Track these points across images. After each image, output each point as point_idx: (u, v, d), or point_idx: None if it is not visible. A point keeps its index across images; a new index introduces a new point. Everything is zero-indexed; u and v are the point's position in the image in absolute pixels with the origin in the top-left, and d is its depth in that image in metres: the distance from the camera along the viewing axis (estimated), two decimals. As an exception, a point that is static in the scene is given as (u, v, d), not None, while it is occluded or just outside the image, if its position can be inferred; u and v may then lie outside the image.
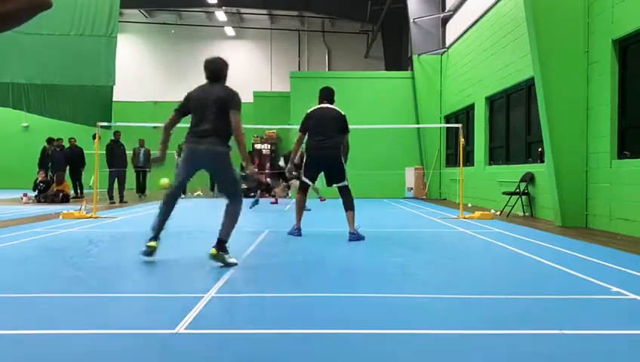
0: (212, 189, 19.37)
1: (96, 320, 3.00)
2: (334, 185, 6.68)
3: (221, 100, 4.76)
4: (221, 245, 4.62)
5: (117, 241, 6.41)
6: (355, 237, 6.42)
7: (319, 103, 6.89)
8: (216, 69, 4.99)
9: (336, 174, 6.64)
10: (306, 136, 6.79)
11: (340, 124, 6.70)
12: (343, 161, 6.69)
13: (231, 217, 4.76)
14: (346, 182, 6.64)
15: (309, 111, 6.83)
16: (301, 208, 6.95)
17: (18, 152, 15.77)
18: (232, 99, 4.78)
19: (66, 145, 16.00)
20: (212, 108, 4.76)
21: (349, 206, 6.58)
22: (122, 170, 14.19)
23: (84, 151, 15.96)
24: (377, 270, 4.59)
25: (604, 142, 7.80)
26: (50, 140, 15.48)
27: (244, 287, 3.99)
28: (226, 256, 4.63)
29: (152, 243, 4.82)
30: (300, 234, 6.79)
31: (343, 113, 6.80)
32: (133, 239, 6.66)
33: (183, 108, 5.00)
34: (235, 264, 4.62)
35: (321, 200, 13.87)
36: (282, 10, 25.78)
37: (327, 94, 6.92)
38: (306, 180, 6.78)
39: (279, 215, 10.44)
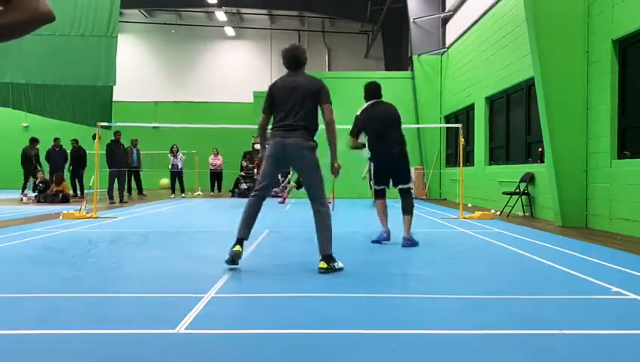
0: (212, 189, 19.41)
1: (97, 320, 3.00)
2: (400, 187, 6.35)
3: (311, 92, 4.50)
4: (328, 259, 4.37)
5: (117, 241, 6.41)
6: (410, 243, 5.97)
7: (368, 101, 6.40)
8: (296, 56, 4.66)
9: (403, 175, 6.44)
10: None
11: (399, 121, 6.38)
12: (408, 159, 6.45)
13: (324, 225, 4.46)
14: (410, 184, 6.44)
15: (358, 113, 6.42)
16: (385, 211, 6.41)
17: (18, 152, 15.78)
18: (323, 92, 4.52)
19: (68, 146, 15.97)
20: (300, 99, 4.49)
21: (408, 210, 6.25)
22: (122, 170, 14.20)
23: (86, 152, 15.97)
24: (377, 270, 4.59)
25: (604, 142, 7.80)
26: (33, 140, 15.35)
27: (244, 287, 3.99)
28: (335, 264, 4.41)
29: (237, 248, 4.46)
30: (388, 238, 6.20)
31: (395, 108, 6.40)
32: (133, 239, 6.66)
33: (270, 105, 4.69)
34: (342, 268, 4.43)
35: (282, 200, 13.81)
36: (282, 10, 25.79)
37: (374, 89, 6.41)
38: (381, 187, 6.44)
39: (279, 215, 10.44)
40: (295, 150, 4.45)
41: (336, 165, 4.66)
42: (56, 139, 15.75)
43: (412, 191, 6.35)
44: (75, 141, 16.17)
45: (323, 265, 4.33)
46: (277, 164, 4.63)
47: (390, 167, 6.30)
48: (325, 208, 4.50)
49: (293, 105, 4.49)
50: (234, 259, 4.42)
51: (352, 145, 6.33)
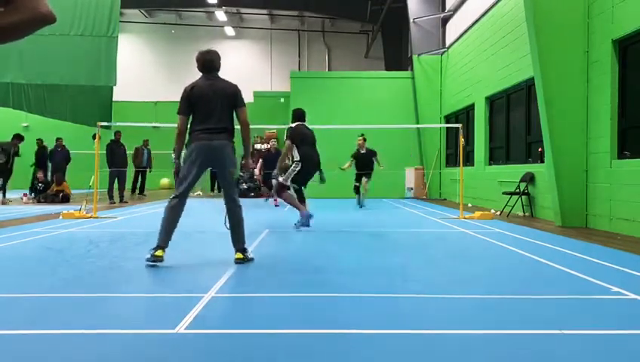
0: (212, 189, 19.40)
1: (97, 320, 3.00)
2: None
3: (230, 96, 4.79)
4: (243, 251, 4.78)
5: (117, 241, 6.41)
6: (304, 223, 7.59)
7: (296, 121, 7.92)
8: (212, 60, 4.96)
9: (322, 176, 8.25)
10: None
11: (314, 141, 8.00)
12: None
13: (238, 220, 4.82)
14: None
15: (294, 125, 7.83)
16: (295, 199, 7.74)
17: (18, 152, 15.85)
18: (239, 95, 4.84)
19: (51, 145, 15.76)
20: (220, 102, 4.75)
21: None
22: (122, 170, 14.20)
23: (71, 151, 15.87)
24: (377, 270, 4.59)
25: (604, 142, 7.80)
26: (16, 137, 15.06)
27: (244, 287, 3.99)
28: (248, 255, 4.82)
29: (159, 253, 4.61)
30: (311, 217, 7.56)
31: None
32: (133, 239, 6.66)
33: (188, 107, 4.83)
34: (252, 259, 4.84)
35: (271, 200, 13.87)
36: (282, 10, 25.79)
37: (300, 115, 8.00)
38: (295, 185, 7.79)
39: (279, 215, 10.44)
40: (221, 151, 4.72)
41: (248, 162, 5.18)
42: (58, 139, 15.71)
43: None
44: (41, 140, 15.86)
45: (239, 255, 4.71)
46: (202, 168, 4.82)
47: (313, 173, 7.96)
48: (238, 204, 4.85)
49: (214, 108, 4.72)
50: (155, 261, 4.58)
51: (286, 151, 7.80)
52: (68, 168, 15.75)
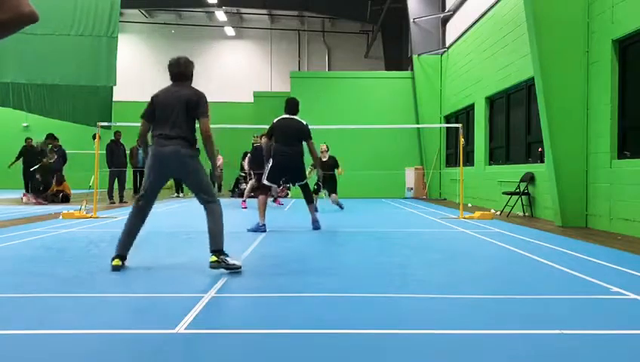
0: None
1: (97, 320, 3.00)
2: (297, 184, 7.63)
3: (188, 103, 4.58)
4: (219, 253, 4.39)
5: (117, 241, 6.39)
6: (317, 226, 7.51)
7: (286, 113, 7.52)
8: (180, 71, 4.85)
9: (297, 176, 7.51)
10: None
11: (300, 135, 7.40)
12: (303, 164, 7.53)
13: (215, 223, 4.50)
14: (306, 180, 7.63)
15: (275, 120, 7.47)
16: (262, 203, 7.42)
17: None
18: (200, 104, 4.60)
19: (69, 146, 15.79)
20: (179, 110, 4.57)
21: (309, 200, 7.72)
22: (122, 170, 14.19)
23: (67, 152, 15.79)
24: (377, 270, 4.59)
25: (604, 142, 7.80)
26: (52, 136, 15.05)
27: (244, 287, 3.99)
28: (228, 259, 4.36)
29: (116, 262, 4.49)
30: (264, 230, 7.22)
31: (304, 123, 7.48)
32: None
33: (151, 113, 4.75)
34: (239, 267, 4.36)
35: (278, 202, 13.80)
36: (282, 10, 25.79)
37: (290, 106, 7.55)
38: (269, 183, 7.42)
39: (279, 215, 10.44)
40: (174, 158, 4.50)
41: (217, 173, 4.90)
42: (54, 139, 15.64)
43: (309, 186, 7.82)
44: (30, 140, 15.83)
45: (213, 258, 4.35)
46: (159, 175, 4.63)
47: (286, 171, 7.41)
48: (217, 206, 4.57)
49: (170, 115, 4.58)
50: (115, 269, 4.47)
51: (266, 147, 7.62)
52: (66, 168, 15.71)
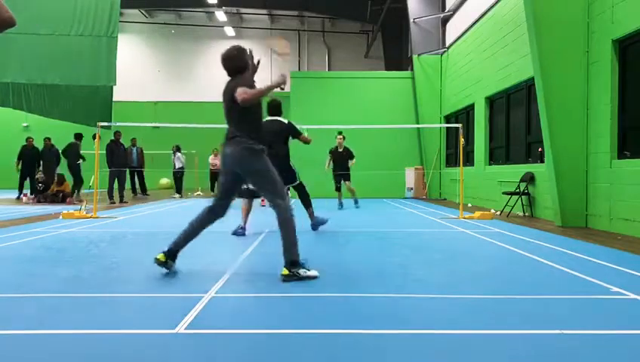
0: (212, 189, 19.40)
1: (97, 320, 3.00)
2: (290, 185, 7.32)
3: (229, 94, 4.31)
4: (290, 264, 4.07)
5: (117, 241, 6.41)
6: (317, 225, 7.45)
7: (268, 115, 7.36)
8: (226, 65, 4.57)
9: (286, 177, 7.13)
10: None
11: (283, 135, 7.25)
12: (289, 165, 7.33)
13: (284, 228, 4.17)
14: (298, 181, 7.37)
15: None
16: (247, 210, 7.30)
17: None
18: (234, 87, 4.29)
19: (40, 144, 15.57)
20: (226, 107, 4.36)
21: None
22: (122, 170, 14.19)
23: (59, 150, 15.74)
24: (377, 270, 4.59)
25: (604, 142, 7.80)
26: (79, 137, 14.93)
27: (244, 287, 3.99)
28: (302, 271, 4.05)
29: (160, 256, 4.23)
30: (244, 234, 7.02)
31: (286, 123, 7.34)
32: (133, 239, 6.66)
33: None
34: (316, 276, 4.09)
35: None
36: (282, 10, 25.80)
37: (271, 109, 7.42)
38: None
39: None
40: (230, 158, 4.27)
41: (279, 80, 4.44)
42: (46, 139, 15.62)
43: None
44: (49, 139, 15.68)
45: (284, 271, 4.06)
46: (228, 177, 4.37)
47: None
48: (283, 212, 4.22)
49: (225, 114, 4.41)
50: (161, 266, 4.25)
51: None
52: (65, 168, 15.71)
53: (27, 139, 15.84)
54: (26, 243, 6.09)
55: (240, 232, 7.06)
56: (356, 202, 12.70)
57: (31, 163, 15.32)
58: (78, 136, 14.49)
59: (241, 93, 4.18)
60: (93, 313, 3.17)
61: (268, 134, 7.05)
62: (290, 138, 7.34)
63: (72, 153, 14.10)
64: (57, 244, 6.02)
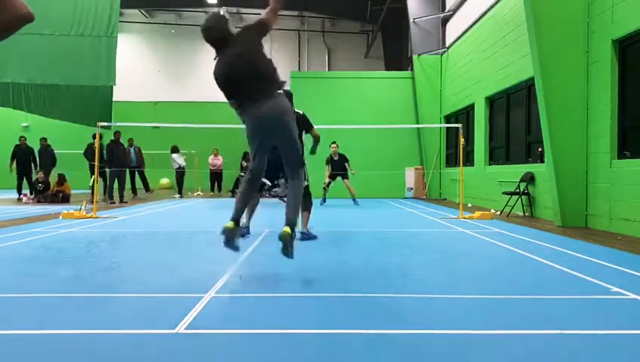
0: (212, 189, 19.43)
1: (97, 320, 3.00)
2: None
3: (250, 42, 4.18)
4: (292, 228, 3.99)
5: (117, 241, 6.41)
6: (306, 235, 6.59)
7: None
8: (218, 32, 4.36)
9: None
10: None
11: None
12: None
13: (295, 195, 4.17)
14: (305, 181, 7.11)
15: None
16: (249, 206, 6.97)
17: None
18: (254, 26, 4.33)
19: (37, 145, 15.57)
20: (249, 59, 4.11)
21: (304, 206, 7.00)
22: (122, 170, 14.20)
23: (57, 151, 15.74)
24: (377, 270, 4.59)
25: (604, 142, 7.80)
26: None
27: (244, 287, 3.99)
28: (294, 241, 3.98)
29: (229, 224, 4.00)
30: (249, 234, 6.79)
31: (301, 113, 6.82)
32: (133, 239, 6.66)
33: None
34: (315, 237, 4.22)
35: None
36: (282, 10, 25.78)
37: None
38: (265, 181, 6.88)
39: (278, 215, 10.43)
40: (277, 113, 4.09)
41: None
42: (42, 139, 15.60)
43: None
44: (45, 139, 15.63)
45: (287, 229, 3.93)
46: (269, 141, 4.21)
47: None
48: (301, 183, 4.22)
49: (250, 70, 4.16)
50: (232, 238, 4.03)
51: None
52: (65, 168, 15.72)
53: (20, 138, 15.79)
54: (26, 243, 6.09)
55: (244, 232, 6.73)
56: (356, 202, 13.19)
57: (25, 162, 15.32)
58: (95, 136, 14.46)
59: (268, 14, 4.18)
60: (93, 313, 3.17)
61: None
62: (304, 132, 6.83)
63: (93, 154, 14.08)
64: (57, 244, 6.02)
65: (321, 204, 12.74)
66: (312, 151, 6.58)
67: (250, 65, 4.07)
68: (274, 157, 4.44)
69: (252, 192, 4.36)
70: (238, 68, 4.10)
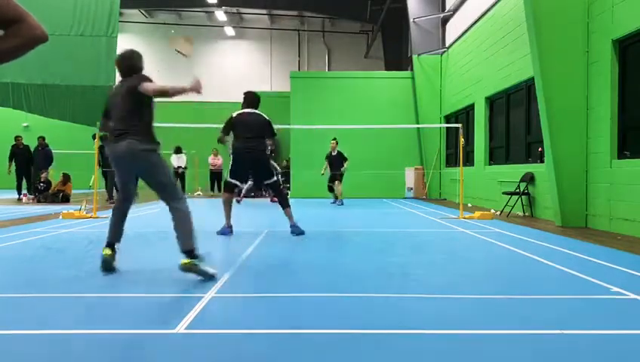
0: (212, 189, 19.43)
1: (97, 320, 3.00)
2: (265, 182, 7.13)
3: (130, 89, 4.21)
4: (190, 255, 4.07)
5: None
6: (297, 230, 6.89)
7: (244, 107, 7.15)
8: (126, 63, 4.41)
9: (262, 173, 7.02)
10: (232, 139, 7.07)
11: (262, 130, 6.97)
12: (267, 160, 7.12)
13: (181, 223, 4.29)
14: (274, 179, 7.04)
15: (234, 115, 7.08)
16: (226, 204, 7.07)
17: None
18: (138, 82, 4.22)
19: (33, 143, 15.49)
20: (122, 102, 4.24)
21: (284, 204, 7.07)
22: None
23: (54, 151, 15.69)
24: (377, 270, 4.59)
25: (604, 142, 7.80)
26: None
27: (244, 287, 3.99)
28: (200, 265, 4.04)
29: (106, 251, 4.42)
30: (231, 232, 6.93)
31: (267, 118, 7.07)
32: (133, 239, 6.65)
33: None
34: (214, 275, 4.05)
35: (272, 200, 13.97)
36: (282, 10, 25.78)
37: (248, 101, 7.18)
38: (234, 181, 7.03)
39: (278, 215, 10.43)
40: (126, 156, 4.32)
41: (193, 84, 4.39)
42: (39, 138, 15.58)
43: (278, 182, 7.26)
44: (42, 138, 15.61)
45: (184, 261, 4.04)
46: (125, 173, 4.62)
47: (248, 166, 7.00)
48: (182, 207, 4.44)
49: (116, 110, 4.37)
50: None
51: (219, 139, 7.19)
52: (66, 168, 15.71)
53: (16, 138, 15.71)
54: (26, 243, 6.08)
55: (227, 231, 6.89)
56: (340, 202, 13.63)
57: (24, 162, 15.30)
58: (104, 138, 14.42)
59: (150, 85, 4.20)
60: (93, 313, 3.17)
61: (245, 127, 6.89)
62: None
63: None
64: (57, 244, 6.02)
65: (331, 203, 13.23)
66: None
67: (120, 104, 4.31)
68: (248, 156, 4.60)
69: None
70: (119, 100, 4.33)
